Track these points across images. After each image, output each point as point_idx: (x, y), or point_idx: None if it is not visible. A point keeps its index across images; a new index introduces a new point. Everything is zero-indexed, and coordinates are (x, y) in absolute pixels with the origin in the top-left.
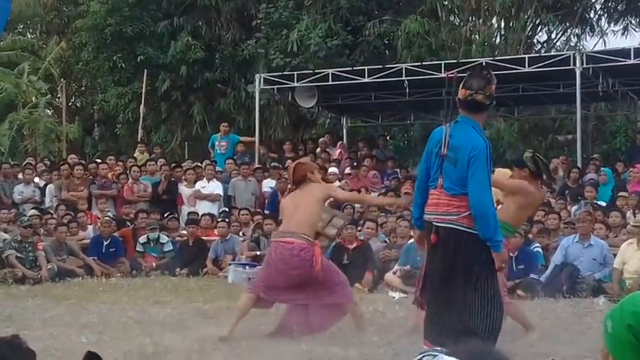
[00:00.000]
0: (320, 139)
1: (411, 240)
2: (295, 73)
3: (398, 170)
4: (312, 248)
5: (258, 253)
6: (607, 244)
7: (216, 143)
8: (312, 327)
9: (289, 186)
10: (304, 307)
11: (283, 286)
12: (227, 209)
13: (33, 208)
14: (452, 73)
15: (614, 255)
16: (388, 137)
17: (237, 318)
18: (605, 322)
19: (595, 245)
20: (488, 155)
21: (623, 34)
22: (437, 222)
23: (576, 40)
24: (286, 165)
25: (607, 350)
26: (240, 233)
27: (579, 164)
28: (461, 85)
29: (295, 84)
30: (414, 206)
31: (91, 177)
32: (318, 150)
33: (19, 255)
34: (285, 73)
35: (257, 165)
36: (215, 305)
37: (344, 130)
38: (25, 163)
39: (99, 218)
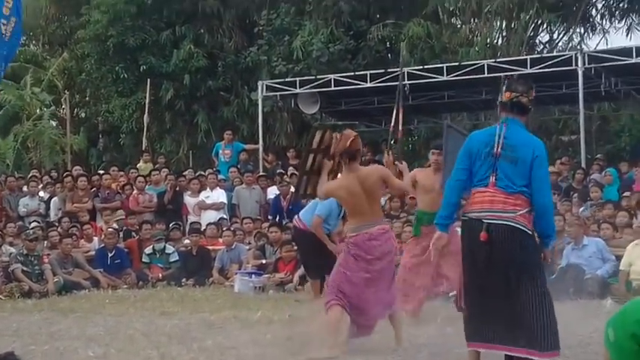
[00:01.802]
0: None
1: None
2: (298, 79)
3: None
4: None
5: (264, 261)
6: (602, 241)
7: (220, 151)
8: (368, 325)
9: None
10: (365, 305)
11: (365, 286)
12: (224, 216)
13: (34, 221)
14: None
15: (617, 255)
16: (392, 141)
17: (332, 337)
18: (606, 331)
19: (589, 245)
20: (547, 156)
21: (626, 34)
22: (490, 219)
23: (579, 39)
24: (290, 172)
25: (608, 358)
26: (246, 242)
27: (583, 165)
28: (504, 89)
29: (298, 90)
30: (447, 205)
31: (94, 189)
32: None
33: (25, 269)
34: (287, 79)
35: (261, 172)
36: (222, 315)
37: None
38: (30, 175)
39: (102, 230)
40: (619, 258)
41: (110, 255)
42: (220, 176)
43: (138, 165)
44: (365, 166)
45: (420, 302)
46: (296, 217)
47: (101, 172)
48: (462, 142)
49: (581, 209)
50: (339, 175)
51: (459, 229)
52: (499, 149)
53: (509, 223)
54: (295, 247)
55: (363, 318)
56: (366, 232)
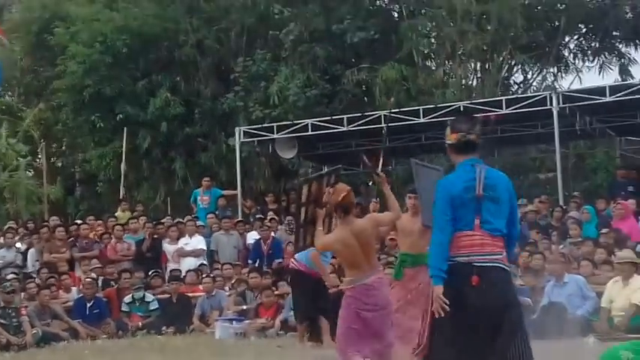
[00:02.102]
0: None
1: None
2: (275, 124)
3: None
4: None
5: (244, 307)
6: (582, 278)
7: (199, 198)
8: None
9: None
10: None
11: (366, 337)
12: (204, 262)
13: (12, 272)
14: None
15: (597, 292)
16: (370, 183)
17: None
18: None
19: (570, 282)
20: None
21: (599, 72)
22: (481, 262)
23: (552, 79)
24: (269, 216)
25: None
26: (226, 288)
27: (561, 202)
28: (448, 132)
29: (275, 135)
30: (441, 260)
31: (71, 238)
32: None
33: (2, 321)
34: (264, 125)
35: (239, 218)
36: None
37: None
38: (6, 227)
39: (80, 280)
40: (599, 295)
41: (89, 305)
42: (199, 222)
43: (116, 214)
44: (359, 218)
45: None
46: (292, 260)
47: (79, 221)
48: (434, 176)
49: (561, 247)
50: (334, 223)
51: None
52: (481, 191)
53: (500, 265)
54: (288, 289)
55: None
56: (364, 283)
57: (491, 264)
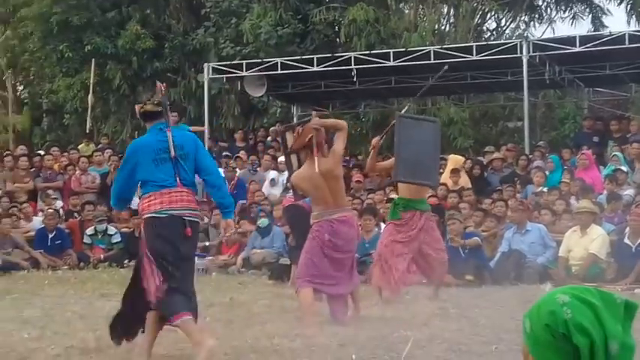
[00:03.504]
0: (271, 128)
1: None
2: (244, 62)
3: (348, 158)
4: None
5: (207, 243)
6: (544, 227)
7: None
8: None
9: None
10: (344, 301)
11: (332, 270)
12: None
13: None
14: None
15: (558, 241)
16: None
17: (312, 318)
18: (523, 322)
19: (532, 230)
20: None
21: (571, 23)
22: (189, 217)
23: (525, 27)
24: (236, 155)
25: (527, 350)
26: None
27: (527, 151)
28: (137, 107)
29: (244, 73)
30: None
31: (35, 169)
32: (269, 139)
33: None
34: (233, 62)
35: None
36: None
37: (295, 119)
38: None
39: (42, 211)
40: (559, 244)
41: (51, 236)
42: None
43: (79, 146)
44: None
45: (400, 284)
46: (287, 196)
47: (42, 152)
48: (428, 128)
49: (520, 195)
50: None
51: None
52: (174, 151)
53: (197, 219)
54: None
55: (334, 288)
56: (328, 219)
57: (193, 218)
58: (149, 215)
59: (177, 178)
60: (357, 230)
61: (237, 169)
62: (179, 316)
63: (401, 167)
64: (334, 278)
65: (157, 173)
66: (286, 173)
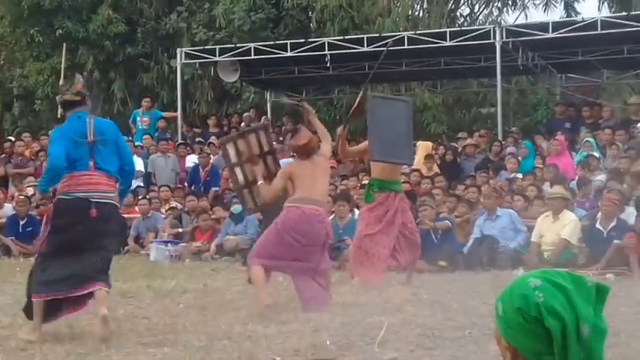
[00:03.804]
0: (244, 114)
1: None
2: (217, 47)
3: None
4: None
5: (180, 230)
6: (514, 212)
7: (138, 119)
8: (321, 298)
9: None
10: (310, 279)
11: (293, 255)
12: (141, 184)
13: None
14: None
15: (529, 226)
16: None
17: (261, 291)
18: (495, 306)
19: (502, 216)
20: None
21: (544, 9)
22: (97, 199)
23: (498, 13)
24: (209, 140)
25: (499, 333)
26: (162, 210)
27: (500, 137)
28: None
29: (217, 58)
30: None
31: (5, 155)
32: (243, 124)
33: None
34: (207, 47)
35: (180, 141)
36: (135, 284)
37: (268, 104)
38: None
39: (13, 198)
40: (531, 229)
41: (22, 222)
42: (137, 143)
43: (51, 132)
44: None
45: (380, 271)
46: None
47: (12, 138)
48: (399, 107)
49: (493, 181)
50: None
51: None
52: (92, 137)
53: (111, 201)
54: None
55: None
56: (299, 206)
57: (105, 200)
58: (58, 197)
59: (91, 162)
60: (326, 227)
61: (211, 155)
62: (35, 297)
63: (376, 147)
64: (290, 260)
65: (73, 155)
66: None
